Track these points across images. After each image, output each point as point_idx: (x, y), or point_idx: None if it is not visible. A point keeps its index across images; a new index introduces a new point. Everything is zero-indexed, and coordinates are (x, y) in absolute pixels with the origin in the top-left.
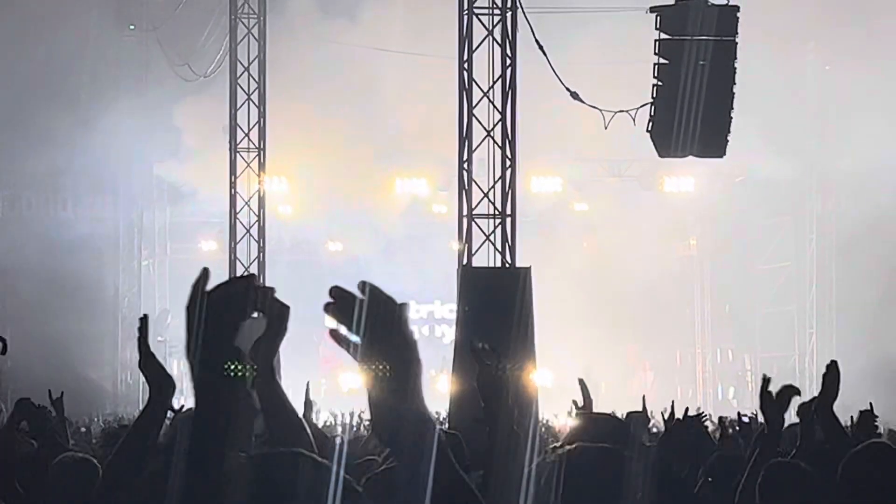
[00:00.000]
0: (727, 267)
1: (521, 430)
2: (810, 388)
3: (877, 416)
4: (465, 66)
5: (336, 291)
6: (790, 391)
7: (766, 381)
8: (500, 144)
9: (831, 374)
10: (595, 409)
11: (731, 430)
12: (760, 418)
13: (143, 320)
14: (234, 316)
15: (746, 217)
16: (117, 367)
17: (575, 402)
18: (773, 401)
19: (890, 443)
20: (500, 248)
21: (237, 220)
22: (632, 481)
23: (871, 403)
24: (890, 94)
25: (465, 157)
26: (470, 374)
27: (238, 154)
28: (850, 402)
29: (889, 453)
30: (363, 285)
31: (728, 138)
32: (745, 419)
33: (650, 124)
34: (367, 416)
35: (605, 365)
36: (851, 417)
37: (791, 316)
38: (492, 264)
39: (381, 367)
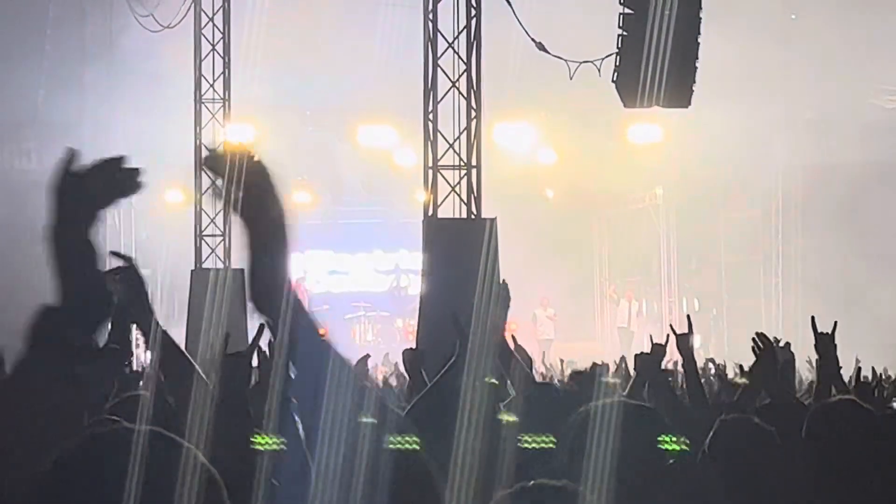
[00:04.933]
0: (693, 217)
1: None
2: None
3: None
4: (430, 16)
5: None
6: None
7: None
8: (465, 95)
9: (824, 345)
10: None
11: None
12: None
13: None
14: (92, 202)
15: (712, 167)
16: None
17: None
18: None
19: (855, 398)
20: (465, 200)
21: (202, 172)
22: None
23: (835, 323)
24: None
25: (431, 108)
26: (435, 324)
27: (203, 105)
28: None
29: (853, 409)
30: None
31: (693, 88)
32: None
33: (615, 75)
34: None
35: (570, 316)
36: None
37: (757, 265)
38: (458, 215)
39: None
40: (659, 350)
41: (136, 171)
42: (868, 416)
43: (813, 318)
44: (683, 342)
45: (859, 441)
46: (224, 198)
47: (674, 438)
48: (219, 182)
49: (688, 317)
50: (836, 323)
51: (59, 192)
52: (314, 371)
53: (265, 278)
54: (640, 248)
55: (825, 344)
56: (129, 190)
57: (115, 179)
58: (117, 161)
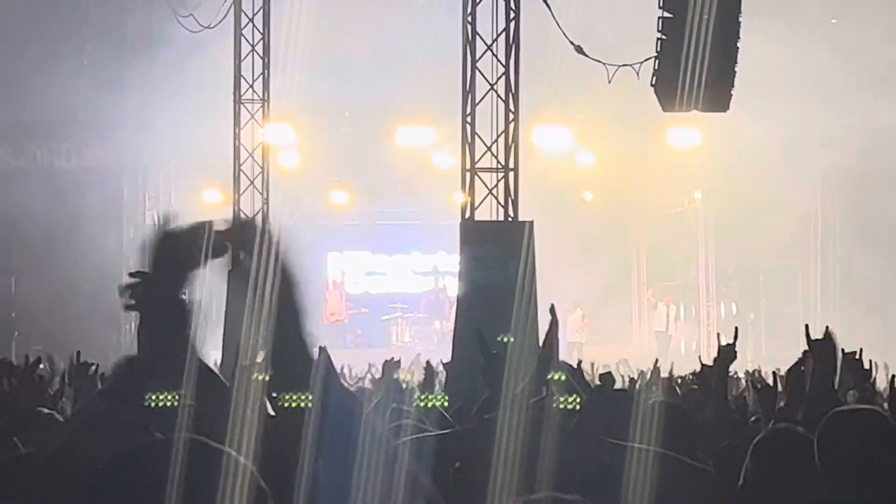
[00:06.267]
0: (732, 221)
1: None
2: None
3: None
4: (469, 18)
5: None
6: None
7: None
8: (503, 98)
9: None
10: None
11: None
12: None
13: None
14: (183, 263)
15: (752, 172)
16: (121, 316)
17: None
18: None
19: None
20: (502, 202)
21: (241, 172)
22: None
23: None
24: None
25: (469, 111)
26: (471, 327)
27: (242, 105)
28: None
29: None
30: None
31: (732, 93)
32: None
33: (654, 79)
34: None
35: (606, 319)
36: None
37: (796, 270)
38: (494, 218)
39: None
40: (728, 353)
41: (225, 234)
42: (885, 424)
43: (807, 325)
44: (723, 355)
45: (875, 450)
46: (252, 270)
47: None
48: (241, 253)
49: (735, 329)
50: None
51: (156, 251)
52: (347, 434)
53: (298, 351)
54: (678, 252)
55: (822, 350)
56: (218, 253)
57: (207, 242)
58: (209, 225)
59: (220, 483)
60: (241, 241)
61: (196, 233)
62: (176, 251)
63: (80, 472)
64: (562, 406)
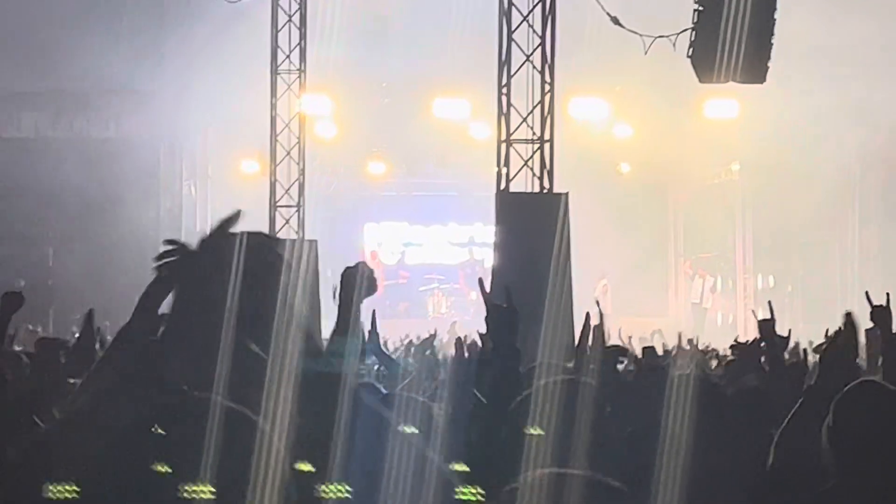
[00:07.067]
0: (769, 193)
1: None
2: (859, 316)
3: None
4: None
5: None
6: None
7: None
8: (539, 69)
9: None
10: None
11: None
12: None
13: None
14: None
15: (789, 144)
16: None
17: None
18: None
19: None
20: (538, 174)
21: (277, 143)
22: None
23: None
24: None
25: (504, 82)
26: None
27: (279, 76)
28: None
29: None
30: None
31: (769, 64)
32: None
33: (690, 50)
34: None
35: (642, 290)
36: None
37: (834, 242)
38: (530, 189)
39: None
40: (768, 326)
41: (272, 249)
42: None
43: (867, 292)
44: (766, 327)
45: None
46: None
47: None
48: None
49: (769, 302)
50: (888, 295)
51: (207, 247)
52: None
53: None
54: (716, 224)
55: (882, 316)
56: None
57: (255, 252)
58: (263, 236)
59: (240, 445)
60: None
61: (251, 241)
62: (226, 252)
63: (103, 432)
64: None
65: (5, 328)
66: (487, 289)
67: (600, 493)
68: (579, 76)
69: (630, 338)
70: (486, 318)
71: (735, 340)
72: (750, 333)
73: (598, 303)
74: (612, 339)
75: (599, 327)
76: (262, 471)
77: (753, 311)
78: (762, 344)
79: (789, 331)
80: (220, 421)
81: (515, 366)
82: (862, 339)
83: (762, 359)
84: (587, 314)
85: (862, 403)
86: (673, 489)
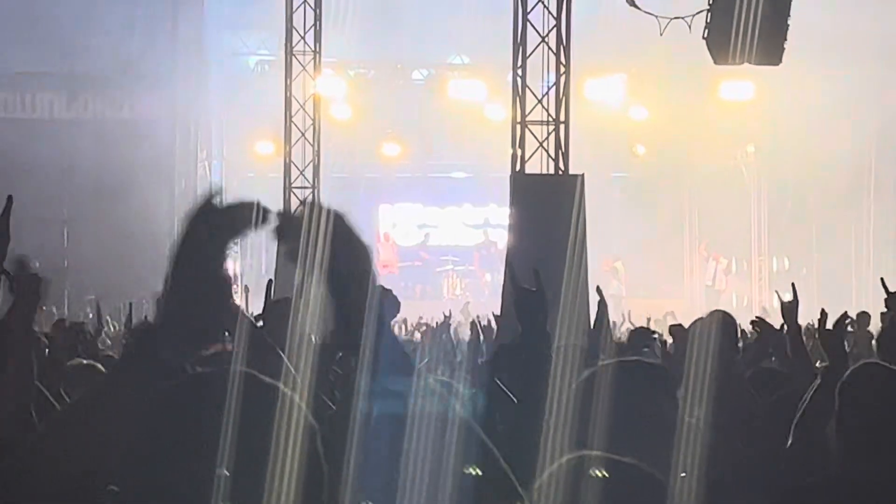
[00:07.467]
0: (785, 175)
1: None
2: (874, 298)
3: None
4: None
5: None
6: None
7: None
8: (554, 50)
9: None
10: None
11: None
12: None
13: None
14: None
15: (805, 126)
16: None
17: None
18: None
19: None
20: (553, 155)
21: (292, 124)
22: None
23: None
24: None
25: (519, 63)
26: (520, 279)
27: (294, 57)
28: None
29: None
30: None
31: (784, 46)
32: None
33: (706, 31)
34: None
35: (657, 272)
36: None
37: (849, 225)
38: (545, 171)
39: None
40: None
41: (268, 216)
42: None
43: (882, 279)
44: (788, 310)
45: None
46: (303, 259)
47: None
48: (291, 244)
49: (792, 285)
50: None
51: (197, 219)
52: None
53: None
54: (731, 205)
55: None
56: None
57: (249, 219)
58: (256, 206)
59: (269, 417)
60: (286, 234)
61: (243, 209)
62: (220, 221)
63: (120, 413)
64: None
65: (32, 316)
66: (503, 271)
67: (641, 482)
68: (595, 57)
69: (649, 319)
70: (515, 303)
71: (756, 317)
72: (767, 316)
73: (598, 289)
74: (626, 323)
75: (602, 304)
76: (290, 437)
77: (777, 292)
78: (784, 328)
79: (822, 310)
80: (234, 391)
81: (547, 349)
82: (879, 323)
83: (786, 345)
84: (601, 297)
85: (866, 385)
86: (692, 474)
